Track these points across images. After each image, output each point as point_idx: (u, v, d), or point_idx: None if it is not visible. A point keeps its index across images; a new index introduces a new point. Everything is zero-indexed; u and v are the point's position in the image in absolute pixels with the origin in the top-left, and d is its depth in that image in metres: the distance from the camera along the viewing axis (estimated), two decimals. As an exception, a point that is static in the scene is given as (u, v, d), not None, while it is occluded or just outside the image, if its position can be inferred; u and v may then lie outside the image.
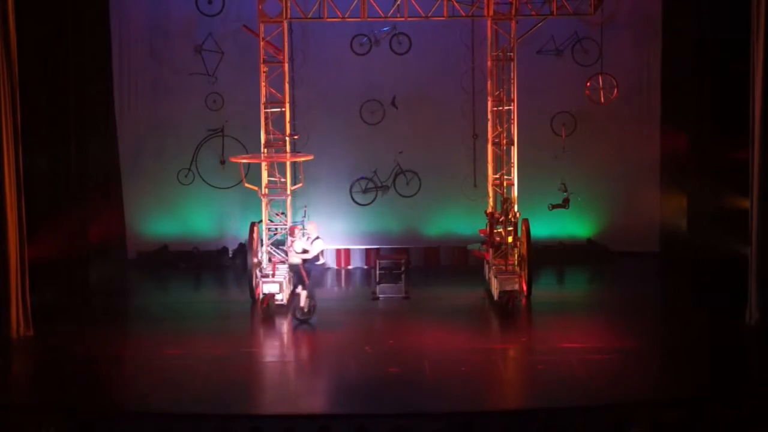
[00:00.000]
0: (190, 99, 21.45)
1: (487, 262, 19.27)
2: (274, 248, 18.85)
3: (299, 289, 17.15)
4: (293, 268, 17.46)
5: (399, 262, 19.13)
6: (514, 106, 18.85)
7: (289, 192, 18.93)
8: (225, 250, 21.83)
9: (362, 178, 21.65)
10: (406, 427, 11.93)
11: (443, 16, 18.40)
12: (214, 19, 20.98)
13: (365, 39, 21.18)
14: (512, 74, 18.78)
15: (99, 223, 20.26)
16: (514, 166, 18.91)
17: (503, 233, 18.55)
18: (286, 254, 17.85)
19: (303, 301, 16.95)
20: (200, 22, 21.13)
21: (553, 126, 21.42)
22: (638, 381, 13.81)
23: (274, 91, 18.79)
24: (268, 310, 17.67)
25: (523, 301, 18.00)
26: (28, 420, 12.22)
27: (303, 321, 16.93)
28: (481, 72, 20.92)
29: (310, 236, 17.42)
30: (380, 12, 18.38)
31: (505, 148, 19.05)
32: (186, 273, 21.26)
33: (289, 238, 17.61)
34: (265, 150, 18.85)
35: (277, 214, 18.89)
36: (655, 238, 21.80)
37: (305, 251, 17.18)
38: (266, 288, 17.74)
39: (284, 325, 17.37)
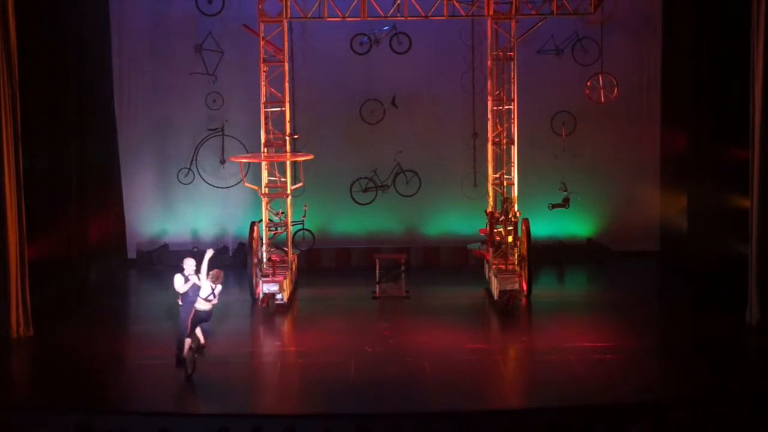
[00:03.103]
0: (190, 98, 21.45)
1: (487, 262, 19.27)
2: (275, 248, 18.87)
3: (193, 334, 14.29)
4: (202, 315, 14.16)
5: (399, 262, 19.13)
6: (514, 105, 18.85)
7: (289, 192, 18.94)
8: (225, 249, 21.83)
9: (362, 177, 21.63)
10: (406, 427, 11.95)
11: (443, 16, 18.40)
12: (214, 18, 20.94)
13: (365, 38, 21.16)
14: (512, 74, 18.79)
15: (99, 223, 20.27)
16: (514, 166, 18.91)
17: (503, 233, 18.55)
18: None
19: (203, 339, 14.35)
20: (200, 22, 21.09)
21: (553, 125, 21.41)
22: (638, 381, 13.79)
23: (274, 90, 18.79)
24: (268, 309, 17.67)
25: (523, 300, 17.99)
26: (28, 420, 12.24)
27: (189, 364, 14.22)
28: (481, 71, 20.93)
29: (198, 273, 14.29)
30: (380, 11, 18.37)
31: (505, 147, 19.06)
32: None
33: (214, 286, 14.08)
34: (265, 149, 18.85)
35: (277, 214, 18.89)
36: (655, 238, 21.79)
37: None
38: (266, 288, 17.73)
39: (284, 325, 17.38)
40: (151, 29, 21.51)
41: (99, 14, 20.75)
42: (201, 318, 14.16)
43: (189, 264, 14.25)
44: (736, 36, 17.07)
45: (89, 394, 13.70)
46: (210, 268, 14.06)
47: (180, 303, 14.28)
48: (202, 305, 14.10)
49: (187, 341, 14.08)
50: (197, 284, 14.11)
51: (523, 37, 19.11)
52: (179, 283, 14.20)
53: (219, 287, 14.07)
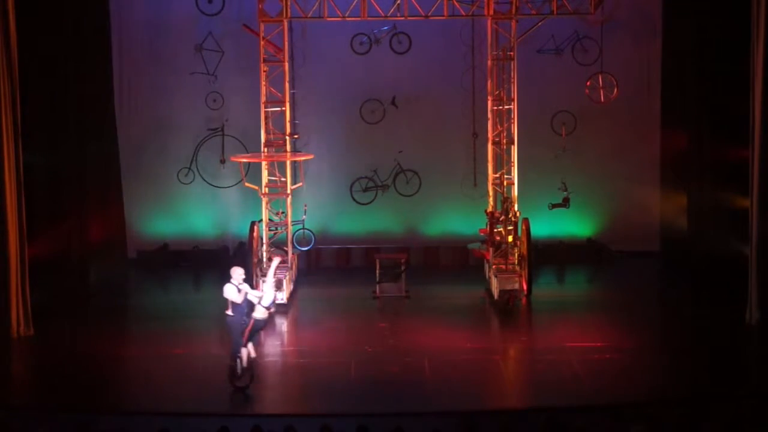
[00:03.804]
0: (190, 98, 21.44)
1: (487, 262, 19.27)
2: (275, 248, 18.87)
3: (248, 348, 13.80)
4: (260, 324, 13.87)
5: (399, 262, 19.13)
6: (514, 105, 18.86)
7: (289, 191, 18.94)
8: (225, 249, 21.82)
9: (362, 177, 21.63)
10: (406, 427, 11.94)
11: (443, 16, 18.40)
12: (214, 18, 20.93)
13: (365, 38, 21.14)
14: (512, 73, 18.80)
15: (99, 223, 20.22)
16: (514, 165, 18.92)
17: (503, 232, 18.56)
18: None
19: (249, 357, 13.83)
20: (200, 22, 21.08)
21: (553, 125, 21.40)
22: (638, 381, 13.81)
23: (274, 90, 18.80)
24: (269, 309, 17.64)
25: (523, 300, 17.99)
26: (28, 420, 12.23)
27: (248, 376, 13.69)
28: (481, 71, 20.91)
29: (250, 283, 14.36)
30: (380, 11, 18.38)
31: (505, 147, 19.07)
32: (186, 272, 21.26)
33: (275, 294, 14.13)
34: (266, 149, 18.86)
35: (277, 214, 18.89)
36: (655, 238, 21.77)
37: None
38: (266, 287, 17.71)
39: (284, 325, 17.38)
40: (151, 29, 21.49)
41: (99, 14, 20.73)
42: (258, 327, 13.74)
43: (238, 273, 13.56)
44: (736, 36, 17.07)
45: (89, 394, 13.70)
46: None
47: (230, 313, 13.60)
48: (261, 314, 13.61)
49: (244, 351, 13.56)
50: (249, 292, 13.60)
51: (523, 37, 19.12)
52: (233, 293, 13.45)
53: (279, 295, 13.47)
